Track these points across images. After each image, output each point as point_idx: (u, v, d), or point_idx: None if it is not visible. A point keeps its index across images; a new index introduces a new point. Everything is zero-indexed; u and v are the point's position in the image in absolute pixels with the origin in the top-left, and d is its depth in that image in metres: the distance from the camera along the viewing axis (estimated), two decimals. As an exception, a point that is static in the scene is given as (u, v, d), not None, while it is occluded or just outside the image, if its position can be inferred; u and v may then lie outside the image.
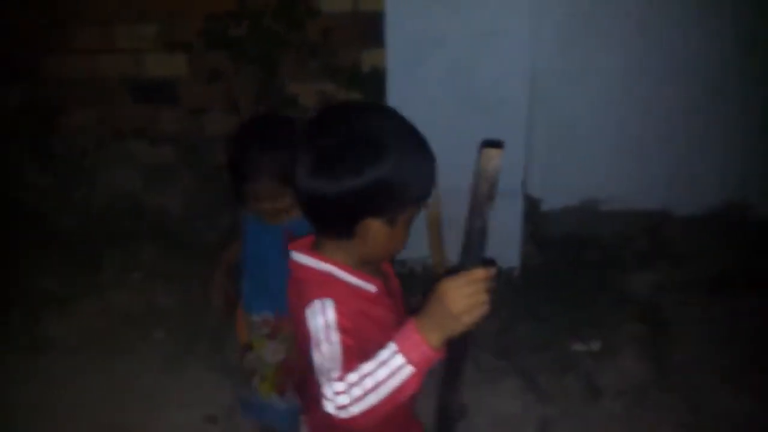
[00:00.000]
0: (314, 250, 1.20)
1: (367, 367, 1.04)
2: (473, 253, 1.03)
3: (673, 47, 2.74)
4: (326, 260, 1.18)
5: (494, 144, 0.99)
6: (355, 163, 1.07)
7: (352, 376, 1.05)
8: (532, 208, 2.91)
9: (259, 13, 2.93)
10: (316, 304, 1.12)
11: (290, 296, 1.23)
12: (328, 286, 1.15)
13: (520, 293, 2.66)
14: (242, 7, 2.94)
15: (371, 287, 1.20)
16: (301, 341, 1.18)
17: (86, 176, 3.31)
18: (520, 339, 2.50)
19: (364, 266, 1.19)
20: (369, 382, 1.04)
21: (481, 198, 1.00)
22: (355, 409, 1.04)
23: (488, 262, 1.04)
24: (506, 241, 2.72)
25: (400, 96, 2.58)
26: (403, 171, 1.09)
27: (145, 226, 3.16)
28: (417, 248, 2.73)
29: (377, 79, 2.77)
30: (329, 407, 1.06)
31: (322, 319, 1.11)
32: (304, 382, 1.30)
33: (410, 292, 2.64)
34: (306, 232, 1.36)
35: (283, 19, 2.93)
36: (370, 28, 2.81)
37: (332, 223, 1.15)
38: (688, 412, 2.16)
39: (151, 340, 2.61)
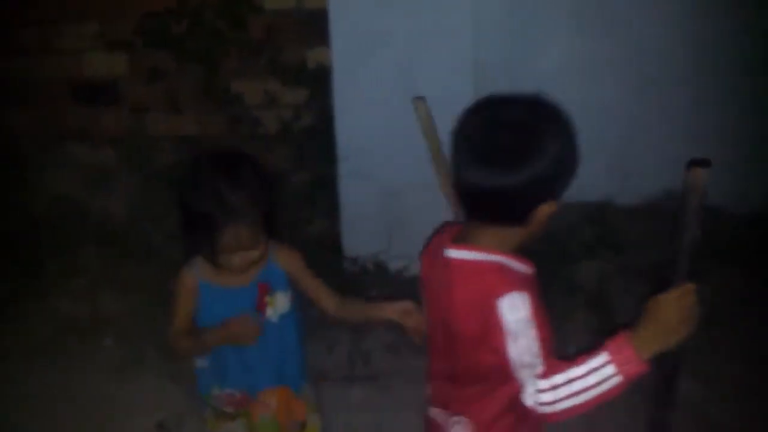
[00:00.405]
0: (467, 242, 1.22)
1: (577, 371, 1.11)
2: (683, 266, 1.11)
3: (613, 38, 2.81)
4: (490, 251, 1.20)
5: (702, 163, 1.08)
6: (538, 149, 1.11)
7: (559, 378, 1.12)
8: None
9: (200, 10, 2.88)
10: (516, 298, 1.14)
11: (458, 293, 1.21)
12: (511, 278, 1.18)
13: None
14: (182, 4, 2.88)
15: (530, 270, 1.24)
16: (471, 336, 1.19)
17: (27, 179, 3.20)
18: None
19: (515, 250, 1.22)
20: (577, 386, 1.11)
21: (691, 212, 1.09)
22: (559, 407, 1.12)
23: (696, 274, 1.12)
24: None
25: (345, 93, 2.58)
26: (572, 147, 1.15)
27: (89, 230, 3.07)
28: (369, 245, 2.74)
29: (323, 77, 2.76)
30: (530, 401, 1.14)
31: (521, 312, 1.14)
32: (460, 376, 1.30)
33: (366, 289, 2.69)
34: (284, 280, 1.47)
35: (225, 16, 2.89)
36: (315, 26, 2.79)
37: (511, 212, 1.16)
38: (634, 393, 2.23)
39: (100, 348, 2.55)
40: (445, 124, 2.47)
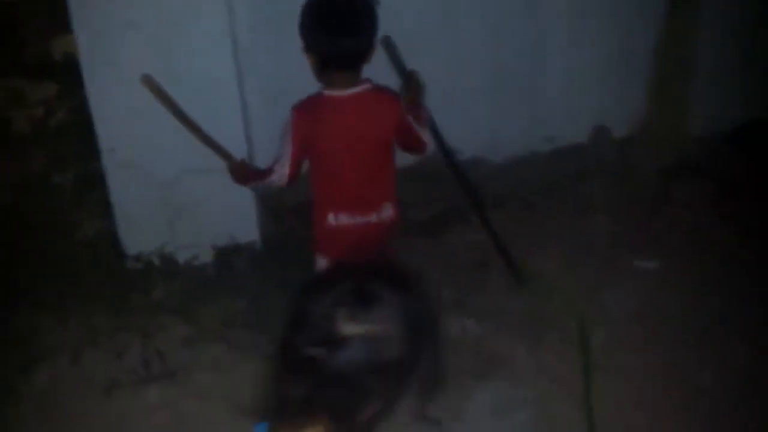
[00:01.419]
0: (357, 84, 1.97)
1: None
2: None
3: None
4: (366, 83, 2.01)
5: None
6: (369, 21, 1.93)
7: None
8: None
9: None
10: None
11: (379, 111, 2.00)
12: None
13: (265, 265, 2.70)
14: None
15: None
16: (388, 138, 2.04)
17: None
18: (272, 310, 2.53)
19: None
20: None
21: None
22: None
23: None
24: (242, 215, 2.73)
25: (99, 82, 2.41)
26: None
27: None
28: (151, 239, 2.62)
29: (72, 68, 2.56)
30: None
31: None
32: None
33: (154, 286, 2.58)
34: None
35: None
36: (56, 15, 2.57)
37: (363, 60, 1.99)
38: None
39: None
40: (213, 108, 2.43)
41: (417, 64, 2.76)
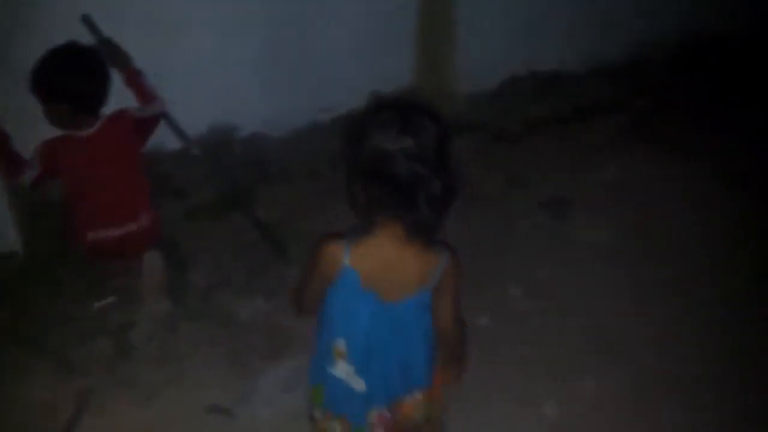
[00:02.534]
0: None
1: None
2: None
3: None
4: None
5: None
6: None
7: None
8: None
9: None
10: None
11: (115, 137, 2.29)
12: None
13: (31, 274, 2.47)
14: None
15: None
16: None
17: None
18: (45, 320, 2.33)
19: None
20: None
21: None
22: None
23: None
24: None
25: None
26: None
27: None
28: None
29: None
30: None
31: None
32: None
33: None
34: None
35: None
36: None
37: None
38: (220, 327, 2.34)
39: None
40: None
41: (188, 37, 2.66)
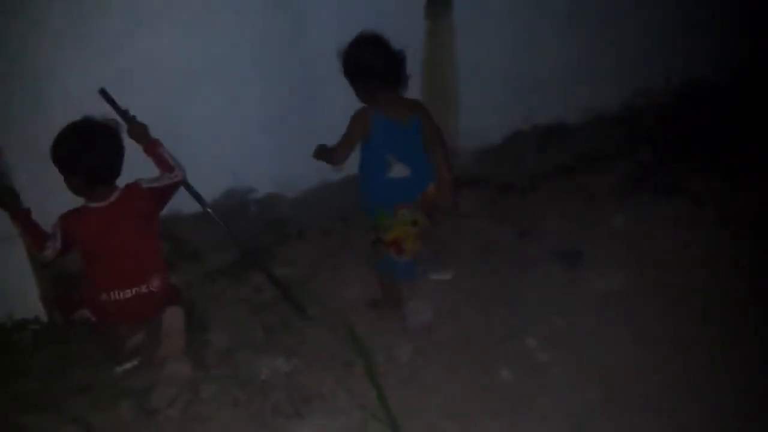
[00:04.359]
0: None
1: None
2: None
3: None
4: None
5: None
6: None
7: None
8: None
9: None
10: None
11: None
12: None
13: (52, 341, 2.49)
14: None
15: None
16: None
17: None
18: (67, 385, 2.34)
19: None
20: None
21: None
22: None
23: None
24: (20, 290, 2.51)
25: None
26: None
27: None
28: None
29: None
30: None
31: None
32: None
33: None
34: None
35: None
36: None
37: None
38: (241, 387, 2.34)
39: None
40: None
41: (197, 104, 2.73)
